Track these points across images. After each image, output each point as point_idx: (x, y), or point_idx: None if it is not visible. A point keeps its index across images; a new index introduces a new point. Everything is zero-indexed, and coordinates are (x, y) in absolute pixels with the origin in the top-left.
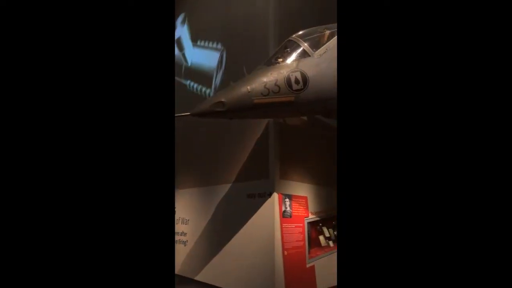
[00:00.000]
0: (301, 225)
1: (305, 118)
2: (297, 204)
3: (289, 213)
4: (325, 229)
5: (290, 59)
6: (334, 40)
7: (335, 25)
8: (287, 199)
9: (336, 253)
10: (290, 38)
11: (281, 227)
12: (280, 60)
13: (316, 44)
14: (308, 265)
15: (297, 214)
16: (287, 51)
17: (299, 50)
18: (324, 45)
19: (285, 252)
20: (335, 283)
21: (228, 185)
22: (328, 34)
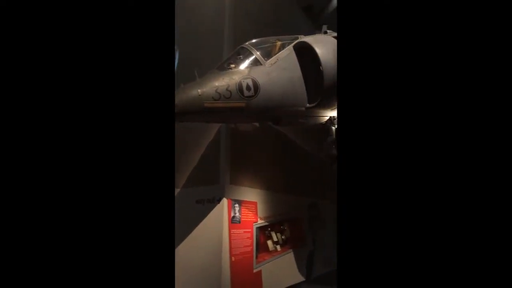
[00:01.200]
0: (250, 230)
1: (257, 124)
2: (247, 210)
3: (238, 218)
4: (273, 234)
5: (243, 66)
6: (284, 51)
7: (287, 37)
8: (236, 205)
9: (283, 257)
10: (243, 45)
11: (230, 233)
12: (233, 66)
13: (267, 54)
14: (255, 270)
15: (246, 219)
16: (239, 57)
17: (252, 58)
18: (275, 55)
19: (233, 258)
20: (281, 287)
21: (177, 190)
22: (279, 45)
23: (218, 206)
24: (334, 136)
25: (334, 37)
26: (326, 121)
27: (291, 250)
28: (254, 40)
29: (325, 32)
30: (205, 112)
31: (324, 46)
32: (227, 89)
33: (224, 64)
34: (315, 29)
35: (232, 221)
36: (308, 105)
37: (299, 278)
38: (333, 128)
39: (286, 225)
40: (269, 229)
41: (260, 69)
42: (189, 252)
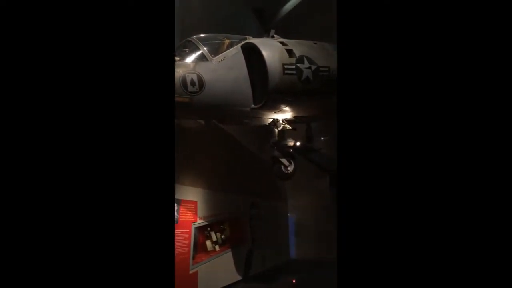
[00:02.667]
0: (188, 230)
1: (201, 121)
2: (185, 209)
3: (175, 219)
4: (212, 234)
5: (188, 60)
6: (232, 50)
7: (235, 36)
8: (174, 204)
9: (221, 257)
10: (189, 39)
11: None
12: (178, 58)
13: (215, 50)
14: (191, 271)
15: (184, 219)
16: (185, 51)
17: (198, 53)
18: (223, 53)
19: None
20: (217, 287)
21: None
22: (227, 43)
23: None
24: (276, 138)
25: (280, 42)
26: (270, 123)
27: (229, 249)
28: (202, 35)
29: (272, 37)
30: None
31: (271, 49)
32: None
33: None
34: (264, 32)
35: None
36: (253, 106)
37: (236, 277)
38: (276, 130)
39: (227, 225)
40: (209, 229)
41: (206, 65)
42: None
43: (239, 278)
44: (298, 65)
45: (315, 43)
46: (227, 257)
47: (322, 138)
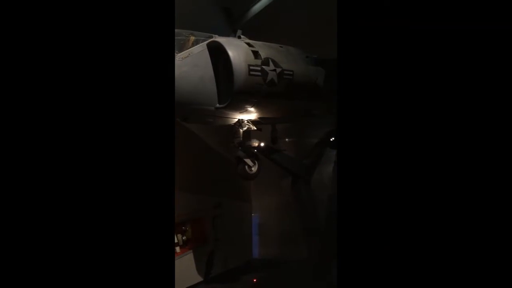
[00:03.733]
0: None
1: None
2: None
3: None
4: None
5: None
6: (198, 47)
7: (201, 33)
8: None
9: (181, 259)
10: None
11: None
12: None
13: (179, 47)
14: None
15: None
16: None
17: None
18: (188, 50)
19: None
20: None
21: None
22: (192, 40)
23: None
24: (241, 138)
25: (247, 43)
26: (235, 123)
27: (191, 251)
28: None
29: (239, 37)
30: None
31: (236, 49)
32: None
33: None
34: (231, 32)
35: None
36: (217, 105)
37: (197, 278)
38: (241, 130)
39: (189, 226)
40: None
41: None
42: None
43: (200, 279)
44: (264, 67)
45: (281, 47)
46: (188, 259)
47: (287, 140)
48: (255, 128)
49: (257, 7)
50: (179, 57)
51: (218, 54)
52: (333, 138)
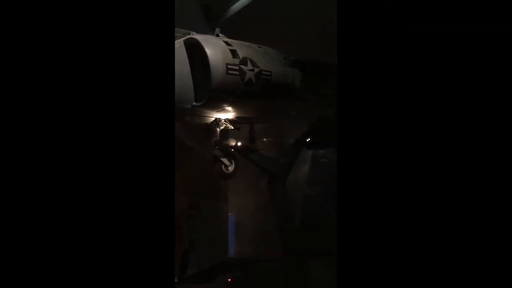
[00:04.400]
0: None
1: None
2: None
3: None
4: None
5: None
6: (175, 44)
7: (179, 29)
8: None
9: None
10: None
11: None
12: None
13: None
14: None
15: None
16: None
17: None
18: None
19: None
20: None
21: None
22: None
23: None
24: (218, 137)
25: (225, 41)
26: (212, 122)
27: None
28: None
29: (217, 35)
30: None
31: (214, 47)
32: None
33: None
34: (209, 30)
35: None
36: (194, 103)
37: None
38: (218, 129)
39: None
40: None
41: None
42: None
43: (175, 280)
44: (242, 66)
45: (259, 47)
46: None
47: (265, 140)
48: (232, 127)
49: (237, 5)
50: None
51: (195, 52)
52: (309, 139)
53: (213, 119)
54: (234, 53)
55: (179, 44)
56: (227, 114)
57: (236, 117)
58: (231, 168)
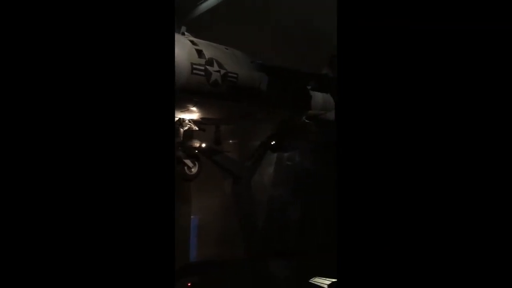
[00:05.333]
0: None
1: None
2: None
3: None
4: None
5: None
6: None
7: None
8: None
9: None
10: None
11: None
12: None
13: None
14: None
15: None
16: None
17: None
18: None
19: None
20: None
21: None
22: None
23: None
24: (181, 138)
25: (191, 40)
26: (175, 122)
27: None
28: None
29: (183, 34)
30: None
31: (179, 46)
32: None
33: None
34: (175, 28)
35: None
36: None
37: None
38: (181, 130)
39: None
40: None
41: None
42: None
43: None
44: (207, 67)
45: (226, 49)
46: None
47: (230, 141)
48: (197, 128)
49: (206, 5)
50: None
51: None
52: (274, 142)
53: (177, 119)
54: (200, 53)
55: None
56: (192, 114)
57: (201, 118)
58: (194, 170)
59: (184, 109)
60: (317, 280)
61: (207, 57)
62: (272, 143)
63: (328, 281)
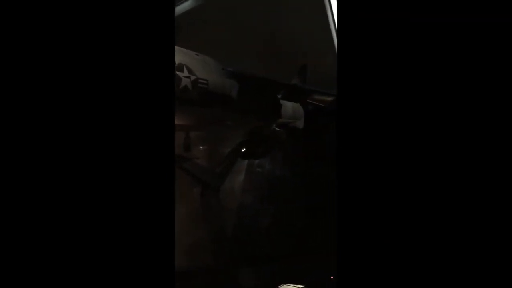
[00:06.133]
0: None
1: None
2: None
3: None
4: None
5: None
6: None
7: None
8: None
9: None
10: None
11: None
12: None
13: None
14: None
15: None
16: None
17: None
18: None
19: None
20: None
21: None
22: None
23: None
24: None
25: None
26: None
27: None
28: None
29: None
30: None
31: None
32: None
33: None
34: None
35: None
36: None
37: None
38: None
39: None
40: None
41: None
42: None
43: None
44: (177, 72)
45: (197, 55)
46: None
47: (200, 148)
48: None
49: (177, 10)
50: None
51: None
52: (244, 149)
53: None
54: None
55: None
56: None
57: None
58: None
59: None
60: (285, 287)
61: (176, 62)
62: (242, 150)
63: (295, 287)
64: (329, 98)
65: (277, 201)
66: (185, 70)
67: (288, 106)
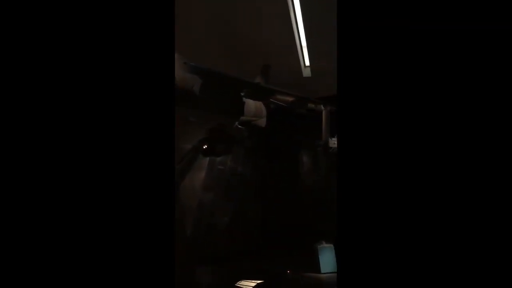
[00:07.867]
0: None
1: None
2: None
3: None
4: None
5: None
6: None
7: None
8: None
9: None
10: None
11: None
12: None
13: None
14: None
15: None
16: None
17: None
18: None
19: None
20: None
21: None
22: None
23: None
24: None
25: None
26: None
27: None
28: None
29: None
30: None
31: None
32: None
33: None
34: None
35: None
36: None
37: None
38: None
39: None
40: None
41: None
42: None
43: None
44: None
45: None
46: None
47: None
48: None
49: None
50: None
51: None
52: (206, 146)
53: None
54: None
55: None
56: None
57: None
58: None
59: None
60: (243, 284)
61: None
62: (204, 147)
63: (253, 283)
64: (291, 98)
65: (238, 199)
66: None
67: (251, 104)
